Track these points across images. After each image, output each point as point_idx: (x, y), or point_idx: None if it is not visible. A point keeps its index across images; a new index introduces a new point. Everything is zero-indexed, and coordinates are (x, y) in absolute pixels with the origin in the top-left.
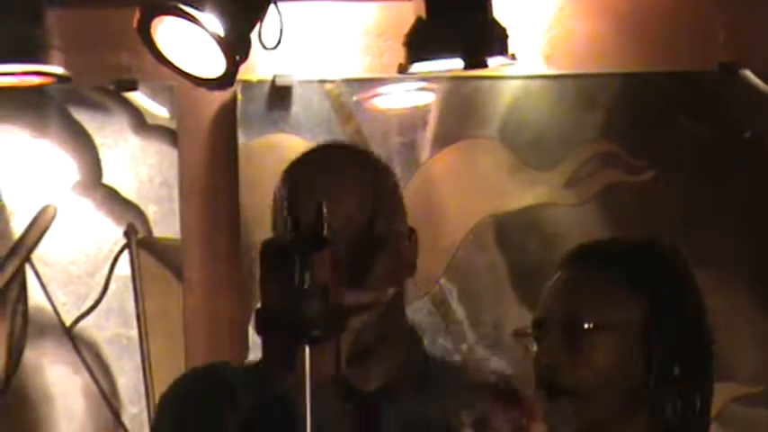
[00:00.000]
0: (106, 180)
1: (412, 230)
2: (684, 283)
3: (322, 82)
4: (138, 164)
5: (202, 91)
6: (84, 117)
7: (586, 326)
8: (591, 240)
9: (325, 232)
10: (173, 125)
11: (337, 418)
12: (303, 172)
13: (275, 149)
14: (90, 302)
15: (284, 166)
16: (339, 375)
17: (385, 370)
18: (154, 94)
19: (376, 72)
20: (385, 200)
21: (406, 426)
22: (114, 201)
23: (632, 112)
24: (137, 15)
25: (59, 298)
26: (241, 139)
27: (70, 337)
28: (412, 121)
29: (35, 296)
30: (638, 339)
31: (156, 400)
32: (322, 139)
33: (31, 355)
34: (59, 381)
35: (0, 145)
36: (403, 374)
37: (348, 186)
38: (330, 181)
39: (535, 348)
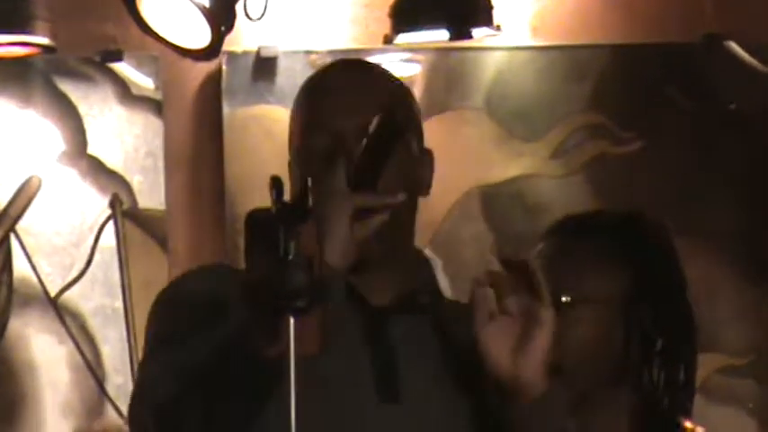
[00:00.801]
0: (91, 150)
1: (428, 151)
2: (666, 256)
3: (307, 53)
4: (123, 134)
5: (187, 62)
6: (69, 88)
7: (564, 299)
8: (573, 213)
9: (309, 204)
10: (158, 96)
11: (346, 330)
12: (324, 85)
13: (260, 120)
14: (75, 273)
15: (269, 137)
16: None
17: (394, 285)
18: (139, 65)
19: (361, 43)
20: (402, 107)
21: (419, 342)
22: (99, 171)
23: (619, 84)
24: None
25: (44, 268)
26: (226, 109)
27: (55, 307)
28: None
29: (20, 266)
30: (620, 312)
31: None
32: None
33: (15, 325)
34: (44, 351)
35: None
36: (413, 292)
37: (368, 88)
38: (351, 83)
39: None
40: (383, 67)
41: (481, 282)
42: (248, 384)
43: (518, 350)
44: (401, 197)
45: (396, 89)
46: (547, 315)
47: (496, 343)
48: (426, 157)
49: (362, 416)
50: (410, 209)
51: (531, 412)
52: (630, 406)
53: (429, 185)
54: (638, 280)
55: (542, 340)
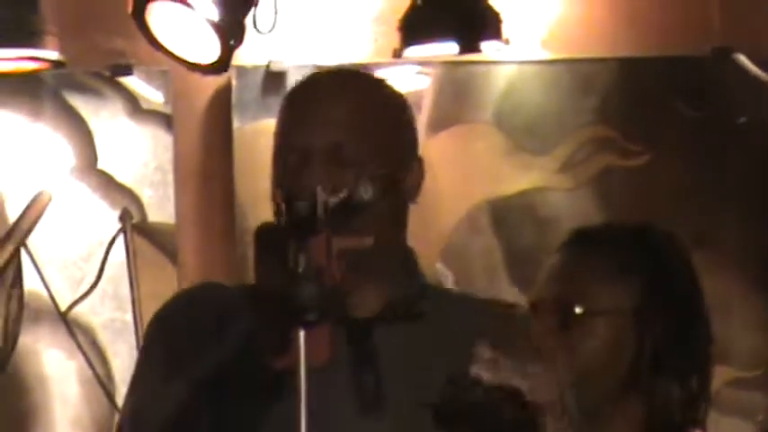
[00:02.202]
0: (101, 165)
1: (419, 159)
2: (679, 269)
3: (316, 67)
4: (133, 149)
5: (197, 76)
6: (79, 102)
7: (578, 310)
8: (587, 225)
9: (319, 215)
10: (167, 110)
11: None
12: (308, 98)
13: (270, 134)
14: (85, 287)
15: None
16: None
17: (381, 294)
18: (149, 79)
19: (371, 57)
20: (385, 121)
21: (406, 351)
22: (109, 186)
23: (627, 97)
24: (131, 0)
25: (55, 283)
26: (236, 124)
27: (65, 321)
28: None
29: (30, 281)
30: (631, 325)
31: None
32: None
33: (26, 339)
34: (54, 365)
35: None
36: (401, 300)
37: (356, 116)
38: (337, 108)
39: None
40: (376, 77)
41: None
42: (248, 400)
43: None
44: (368, 242)
45: (383, 101)
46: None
47: None
48: (417, 165)
49: (343, 430)
50: (398, 216)
51: None
52: (643, 418)
53: (417, 193)
54: (650, 291)
55: None
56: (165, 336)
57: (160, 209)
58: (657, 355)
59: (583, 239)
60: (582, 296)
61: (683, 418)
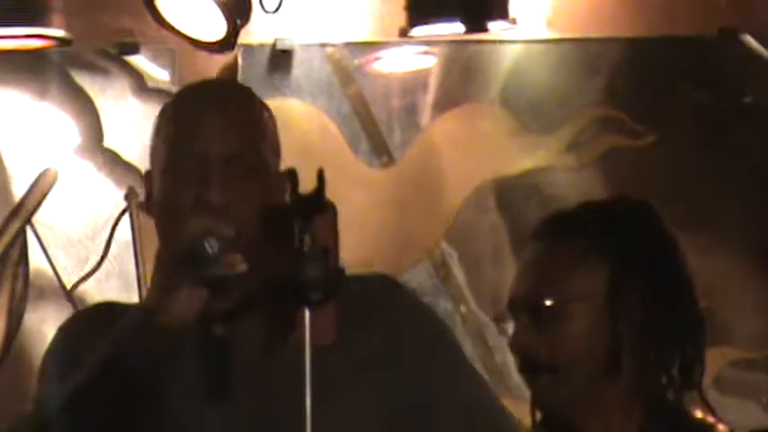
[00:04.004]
0: (107, 143)
1: (288, 172)
2: (651, 237)
3: (323, 46)
4: (139, 127)
5: (203, 54)
6: (85, 80)
7: (548, 303)
8: (557, 210)
9: (324, 196)
10: (174, 88)
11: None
12: (188, 108)
13: (276, 113)
14: (90, 265)
15: (285, 129)
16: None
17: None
18: (155, 58)
19: (377, 36)
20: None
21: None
22: (115, 164)
23: (633, 77)
24: None
25: (60, 261)
26: None
27: (71, 299)
28: (413, 86)
29: (36, 259)
30: (605, 306)
31: None
32: (323, 102)
33: (31, 317)
34: None
35: (1, 108)
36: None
37: (233, 121)
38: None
39: (511, 330)
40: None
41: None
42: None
43: None
44: (242, 268)
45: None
46: None
47: None
48: (284, 180)
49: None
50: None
51: None
52: (629, 399)
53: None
54: (622, 266)
55: None
56: (55, 353)
57: None
58: (644, 327)
59: (551, 227)
60: (553, 286)
61: (675, 398)
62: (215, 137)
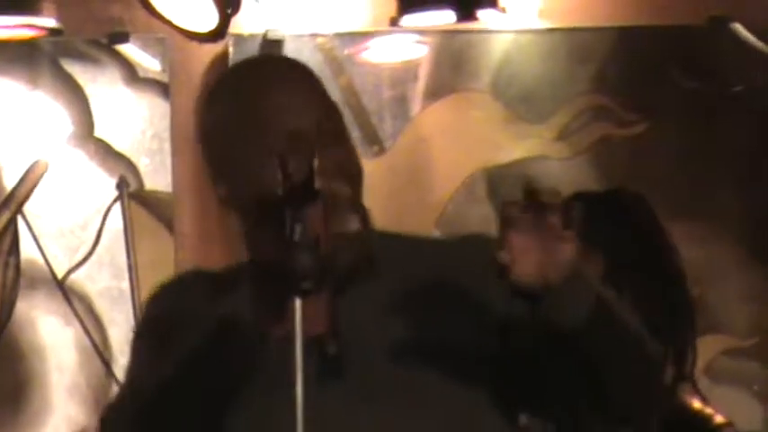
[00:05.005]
0: (98, 133)
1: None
2: (643, 229)
3: (313, 36)
4: (130, 117)
5: (194, 44)
6: (76, 70)
7: None
8: None
9: (316, 184)
10: (164, 78)
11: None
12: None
13: None
14: (82, 255)
15: None
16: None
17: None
18: (145, 47)
19: (368, 26)
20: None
21: (359, 311)
22: (106, 153)
23: (624, 66)
24: None
25: (51, 251)
26: None
27: (62, 289)
28: (404, 75)
29: (27, 249)
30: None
31: None
32: None
33: (22, 306)
34: (51, 333)
35: None
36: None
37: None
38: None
39: None
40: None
41: (509, 205)
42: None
43: (544, 263)
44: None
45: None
46: (569, 234)
47: (523, 257)
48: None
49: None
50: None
51: (564, 290)
52: None
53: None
54: (613, 258)
55: (567, 253)
56: (155, 323)
57: (157, 177)
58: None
59: None
60: None
61: (673, 375)
62: (302, 114)
